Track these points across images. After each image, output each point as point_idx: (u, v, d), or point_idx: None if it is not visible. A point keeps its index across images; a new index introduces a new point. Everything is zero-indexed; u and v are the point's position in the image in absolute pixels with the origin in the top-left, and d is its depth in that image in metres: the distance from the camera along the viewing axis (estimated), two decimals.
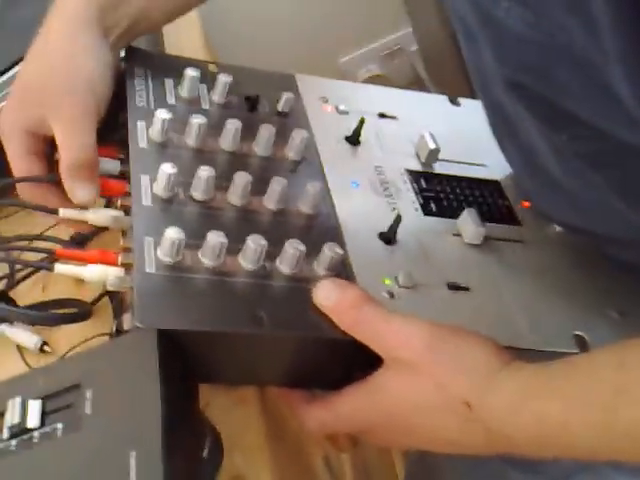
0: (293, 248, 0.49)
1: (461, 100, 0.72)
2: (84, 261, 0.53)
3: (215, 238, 0.47)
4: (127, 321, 0.50)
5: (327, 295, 0.48)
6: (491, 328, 0.50)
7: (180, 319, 0.45)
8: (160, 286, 0.46)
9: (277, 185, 0.53)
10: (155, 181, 0.52)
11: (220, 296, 0.47)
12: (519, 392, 0.45)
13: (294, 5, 1.22)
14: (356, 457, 0.70)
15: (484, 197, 0.62)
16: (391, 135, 0.65)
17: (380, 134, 0.64)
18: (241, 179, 0.52)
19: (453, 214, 0.59)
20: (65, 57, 0.57)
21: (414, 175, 0.62)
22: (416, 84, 1.23)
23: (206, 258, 0.48)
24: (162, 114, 0.55)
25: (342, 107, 0.66)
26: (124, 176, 0.57)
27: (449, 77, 1.04)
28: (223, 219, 0.52)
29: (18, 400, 0.43)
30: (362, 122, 0.62)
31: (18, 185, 0.56)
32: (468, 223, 0.57)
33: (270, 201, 0.54)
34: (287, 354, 0.49)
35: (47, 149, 0.57)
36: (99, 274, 0.53)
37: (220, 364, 0.49)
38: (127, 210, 0.56)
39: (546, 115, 0.47)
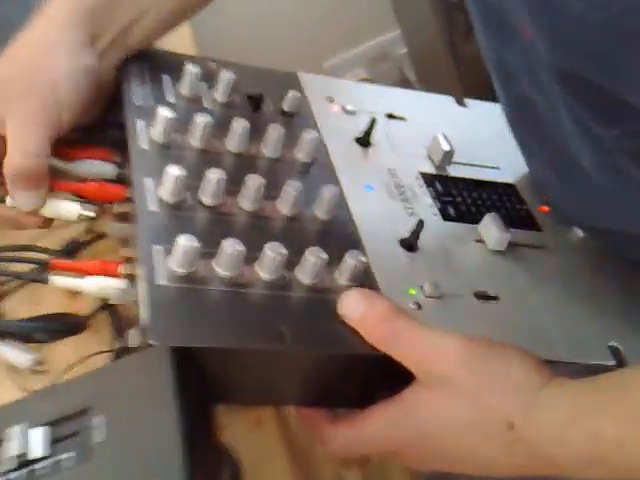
0: (315, 256, 0.45)
1: (467, 101, 0.70)
2: (83, 272, 0.49)
3: (232, 246, 0.43)
4: (133, 337, 0.46)
5: (354, 307, 0.44)
6: (524, 340, 0.47)
7: (196, 335, 0.41)
8: (173, 299, 0.42)
9: (292, 189, 0.49)
10: (160, 185, 0.48)
11: (238, 309, 0.43)
12: (567, 410, 0.41)
13: (278, 8, 1.19)
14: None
15: (501, 201, 0.59)
16: (401, 136, 0.62)
17: (390, 135, 0.61)
18: (254, 182, 0.48)
19: (473, 219, 0.56)
20: (36, 55, 0.53)
21: (429, 178, 0.58)
22: (404, 87, 1.20)
23: (221, 268, 0.44)
24: (165, 112, 0.51)
25: (349, 107, 0.62)
26: (121, 181, 0.54)
27: (440, 78, 1.01)
28: (235, 225, 0.48)
29: (19, 427, 0.39)
30: (373, 122, 0.59)
31: None
32: (491, 229, 0.54)
33: (284, 206, 0.50)
34: (310, 371, 0.45)
35: None
36: (99, 286, 0.49)
37: (237, 383, 0.45)
38: (125, 217, 0.52)
39: (601, 108, 0.44)
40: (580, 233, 0.58)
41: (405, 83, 1.20)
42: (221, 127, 0.53)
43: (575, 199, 0.54)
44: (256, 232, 0.48)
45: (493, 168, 0.62)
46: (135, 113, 0.53)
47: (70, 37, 0.54)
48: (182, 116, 0.53)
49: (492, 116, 0.67)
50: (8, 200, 0.52)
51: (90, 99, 0.53)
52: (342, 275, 0.46)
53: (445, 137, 0.60)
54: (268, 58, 1.17)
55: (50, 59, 0.53)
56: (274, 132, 0.54)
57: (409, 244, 0.51)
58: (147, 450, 0.38)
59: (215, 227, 0.47)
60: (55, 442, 0.38)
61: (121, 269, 0.49)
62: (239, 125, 0.52)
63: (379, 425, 0.45)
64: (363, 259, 0.46)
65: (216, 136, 0.53)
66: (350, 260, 0.46)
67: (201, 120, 0.52)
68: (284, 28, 1.18)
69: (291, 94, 0.59)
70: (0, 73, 0.53)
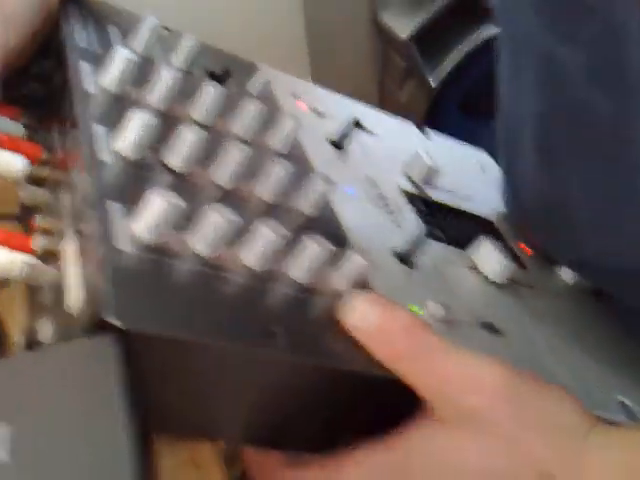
0: (317, 245, 0.35)
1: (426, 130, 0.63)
2: None
3: (218, 217, 0.33)
4: (45, 329, 0.34)
5: (366, 314, 0.34)
6: None
7: (173, 323, 0.30)
8: (139, 273, 0.31)
9: (277, 171, 0.40)
10: (116, 135, 0.36)
11: (221, 298, 0.32)
12: (621, 463, 0.33)
13: None
14: None
15: (481, 233, 0.52)
16: (373, 149, 0.54)
17: (362, 146, 0.53)
18: (234, 154, 0.38)
19: (459, 245, 0.48)
20: None
21: (411, 196, 0.50)
22: None
23: (201, 243, 0.33)
24: (123, 53, 0.40)
25: (319, 108, 0.54)
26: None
27: None
28: (210, 200, 0.37)
29: None
30: (353, 124, 0.50)
31: None
32: (491, 256, 0.46)
33: (264, 191, 0.40)
34: (293, 389, 0.34)
35: None
36: (2, 262, 0.36)
37: (195, 399, 0.33)
38: (41, 182, 0.40)
39: None
40: (568, 277, 0.51)
41: None
42: (183, 94, 0.43)
43: (608, 226, 0.47)
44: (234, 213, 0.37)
45: (467, 199, 0.55)
46: (79, 55, 0.42)
47: None
48: (137, 71, 0.42)
49: (452, 149, 0.61)
50: None
51: (40, 22, 0.42)
52: (342, 278, 0.37)
53: (427, 153, 0.52)
54: None
55: None
56: (251, 107, 0.44)
57: (404, 257, 0.42)
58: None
59: (187, 197, 0.36)
60: None
61: (36, 242, 0.37)
62: (210, 91, 0.43)
63: (363, 472, 0.35)
64: (364, 262, 0.37)
65: (178, 101, 0.43)
66: (351, 261, 0.37)
67: (166, 74, 0.41)
68: None
69: (259, 76, 0.50)
70: None
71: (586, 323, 0.48)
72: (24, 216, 0.40)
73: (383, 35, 0.83)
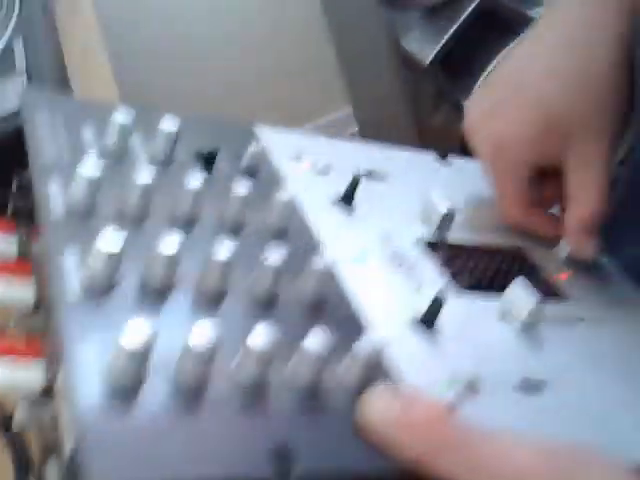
0: (318, 341, 0.32)
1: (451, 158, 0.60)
2: None
3: (205, 334, 0.31)
4: (51, 471, 0.32)
5: (385, 408, 0.32)
6: (591, 439, 0.36)
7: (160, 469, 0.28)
8: (112, 420, 0.28)
9: (272, 259, 0.37)
10: (84, 265, 0.34)
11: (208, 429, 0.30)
12: None
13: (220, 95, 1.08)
14: None
15: (511, 269, 0.48)
16: (384, 198, 0.50)
17: (372, 196, 0.50)
18: (222, 252, 0.36)
19: (489, 289, 0.45)
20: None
21: (428, 245, 0.47)
22: None
23: (189, 363, 0.31)
24: (87, 170, 0.38)
25: (320, 165, 0.51)
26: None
27: None
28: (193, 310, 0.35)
29: None
30: (356, 181, 0.47)
31: None
32: (521, 297, 0.42)
33: (260, 281, 0.37)
34: None
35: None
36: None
37: None
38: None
39: None
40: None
41: None
42: (161, 193, 0.41)
43: None
44: (221, 317, 0.35)
45: (492, 231, 0.52)
46: (46, 173, 0.40)
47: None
48: (109, 175, 0.40)
49: (477, 174, 0.57)
50: None
51: None
52: (350, 369, 0.34)
53: (441, 197, 0.49)
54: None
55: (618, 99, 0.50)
56: (240, 189, 0.41)
57: (427, 324, 0.39)
58: None
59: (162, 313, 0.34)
60: None
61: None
62: (192, 184, 0.40)
63: None
64: (377, 346, 0.34)
65: (158, 195, 0.40)
66: (362, 348, 0.34)
67: (141, 180, 0.39)
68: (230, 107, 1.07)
69: (252, 149, 0.47)
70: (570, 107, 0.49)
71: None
72: None
73: (408, 61, 0.80)
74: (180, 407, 0.30)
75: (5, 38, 0.55)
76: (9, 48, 0.55)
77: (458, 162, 0.59)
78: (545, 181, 0.52)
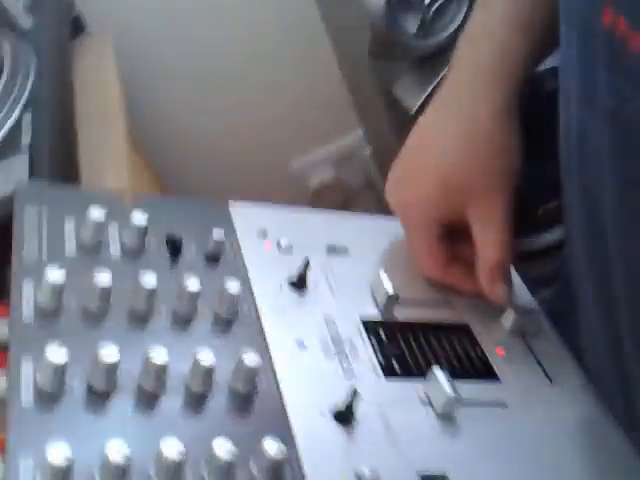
0: (223, 452, 0.38)
1: None
2: None
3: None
4: None
5: None
6: None
7: None
8: None
9: (204, 360, 0.43)
10: (39, 370, 0.41)
11: None
12: None
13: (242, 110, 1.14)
14: None
15: (453, 347, 0.52)
16: (342, 275, 0.55)
17: (330, 274, 0.55)
18: (156, 359, 0.42)
19: (420, 372, 0.49)
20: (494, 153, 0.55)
21: (371, 326, 0.52)
22: (370, 188, 1.14)
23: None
24: (52, 276, 0.44)
25: (284, 242, 0.56)
26: None
27: None
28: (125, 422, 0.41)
29: None
30: (307, 264, 0.52)
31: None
32: (437, 389, 0.47)
33: (194, 381, 0.43)
34: None
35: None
36: None
37: None
38: None
39: None
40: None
41: (372, 183, 1.14)
42: (129, 279, 0.47)
43: None
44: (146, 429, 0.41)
45: (443, 304, 0.56)
46: (23, 271, 0.46)
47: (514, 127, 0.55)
48: (82, 270, 0.46)
49: None
50: None
51: None
52: (260, 471, 0.39)
53: (388, 278, 0.53)
54: (233, 161, 1.13)
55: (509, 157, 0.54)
56: (189, 285, 0.47)
57: (344, 417, 0.44)
58: None
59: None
60: None
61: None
62: (146, 283, 0.46)
63: None
64: (282, 448, 0.39)
65: (119, 294, 0.46)
66: (269, 451, 0.39)
67: (99, 281, 0.45)
68: (249, 131, 1.13)
69: (215, 234, 0.53)
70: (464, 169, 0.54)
71: (557, 440, 0.48)
72: None
73: (399, 106, 0.83)
74: None
75: (15, 116, 0.62)
76: (18, 125, 0.62)
77: None
78: (463, 238, 0.56)
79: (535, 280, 0.70)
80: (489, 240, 0.54)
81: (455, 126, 0.55)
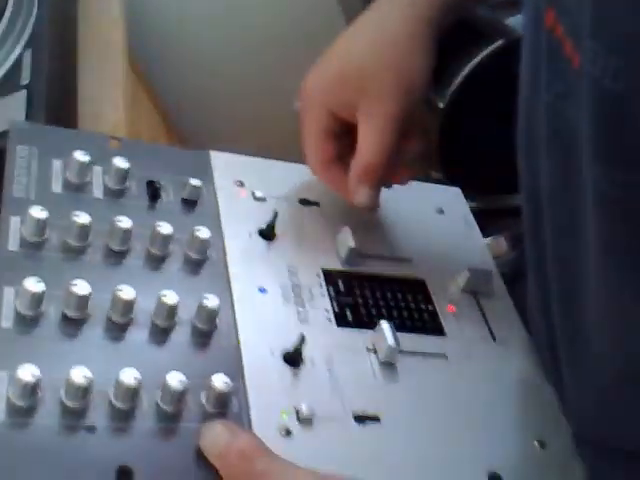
0: (175, 383, 0.43)
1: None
2: None
3: (79, 375, 0.41)
4: None
5: (215, 441, 0.42)
6: (396, 467, 0.46)
7: None
8: None
9: (167, 298, 0.47)
10: (19, 296, 0.45)
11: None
12: None
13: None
14: None
15: (406, 301, 0.56)
16: (311, 226, 0.59)
17: (299, 225, 0.59)
18: (124, 295, 0.46)
19: (371, 323, 0.53)
20: (397, 53, 0.56)
21: (331, 276, 0.56)
22: None
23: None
24: (36, 213, 0.48)
25: (259, 193, 0.60)
26: None
27: None
28: (89, 342, 0.45)
29: None
30: (276, 215, 0.56)
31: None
32: (382, 339, 0.51)
33: (159, 316, 0.47)
34: None
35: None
36: None
37: None
38: None
39: None
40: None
41: None
42: (107, 221, 0.51)
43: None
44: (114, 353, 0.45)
45: (405, 261, 0.60)
46: (11, 207, 0.50)
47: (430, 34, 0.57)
48: (65, 209, 0.50)
49: (407, 199, 0.64)
50: None
51: None
52: (209, 401, 0.44)
53: (351, 231, 0.57)
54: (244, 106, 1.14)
55: (411, 61, 0.56)
56: (162, 230, 0.51)
57: (291, 359, 0.49)
58: None
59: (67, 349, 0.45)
60: None
61: None
62: (121, 225, 0.50)
63: None
64: (229, 383, 0.44)
65: (99, 233, 0.50)
66: (216, 384, 0.44)
67: (77, 220, 0.49)
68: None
69: (191, 182, 0.56)
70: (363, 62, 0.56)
71: (486, 390, 0.52)
72: None
73: None
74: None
75: (16, 54, 0.65)
76: (19, 62, 0.65)
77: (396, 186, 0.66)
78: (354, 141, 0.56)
79: (516, 238, 0.74)
80: (367, 140, 0.55)
81: (366, 28, 0.58)
